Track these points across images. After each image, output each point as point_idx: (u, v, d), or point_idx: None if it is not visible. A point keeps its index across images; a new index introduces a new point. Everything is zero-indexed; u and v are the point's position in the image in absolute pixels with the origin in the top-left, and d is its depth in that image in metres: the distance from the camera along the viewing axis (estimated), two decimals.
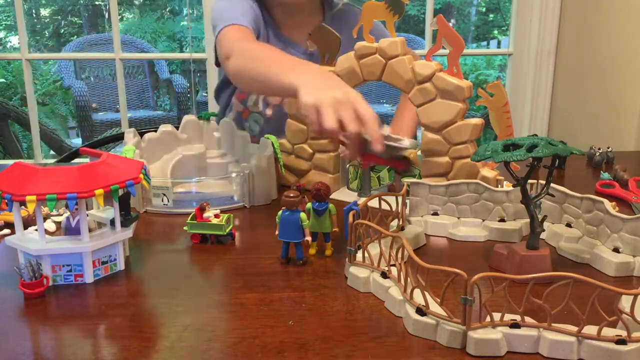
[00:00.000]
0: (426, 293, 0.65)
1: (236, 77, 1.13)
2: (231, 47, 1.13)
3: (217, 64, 1.31)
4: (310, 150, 1.15)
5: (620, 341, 0.58)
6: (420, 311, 0.65)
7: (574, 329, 0.60)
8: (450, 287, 0.61)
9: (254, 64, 1.05)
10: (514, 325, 0.61)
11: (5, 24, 5.69)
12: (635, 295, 0.58)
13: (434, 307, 0.64)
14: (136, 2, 6.18)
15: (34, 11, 5.90)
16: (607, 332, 0.59)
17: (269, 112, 1.42)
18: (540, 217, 0.80)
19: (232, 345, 0.63)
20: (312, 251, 0.87)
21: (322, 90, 0.85)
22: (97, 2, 5.87)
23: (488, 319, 0.62)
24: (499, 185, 0.99)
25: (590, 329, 0.59)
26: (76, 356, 0.62)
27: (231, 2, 1.31)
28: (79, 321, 0.69)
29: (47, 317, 0.70)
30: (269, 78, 0.99)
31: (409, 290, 0.67)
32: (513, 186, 0.82)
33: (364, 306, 0.71)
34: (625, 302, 0.61)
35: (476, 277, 0.59)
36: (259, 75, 1.03)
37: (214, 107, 2.25)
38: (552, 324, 0.60)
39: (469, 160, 1.00)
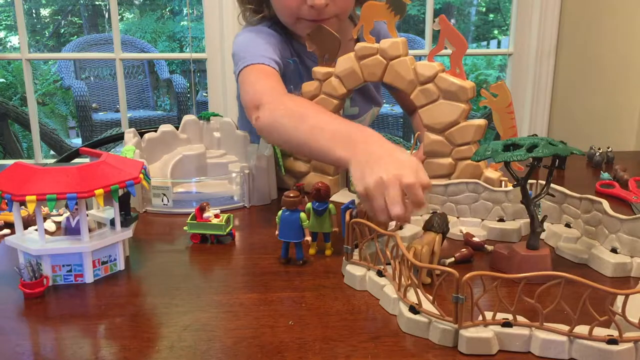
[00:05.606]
0: (419, 291, 0.65)
1: (266, 133, 1.02)
2: (260, 97, 1.02)
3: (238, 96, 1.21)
4: None
5: (612, 341, 0.58)
6: (413, 309, 0.65)
7: (566, 328, 0.60)
8: (445, 286, 0.61)
9: (292, 125, 0.95)
10: (506, 324, 0.61)
11: (5, 24, 5.69)
12: (627, 295, 0.58)
13: (427, 305, 0.64)
14: (136, 2, 6.18)
15: (34, 11, 5.90)
16: (599, 332, 0.59)
17: None
18: (540, 217, 0.80)
19: (232, 345, 0.63)
20: (312, 251, 0.87)
21: (369, 170, 0.77)
22: (97, 2, 5.88)
23: (480, 317, 0.62)
24: (501, 186, 0.99)
25: (582, 329, 0.59)
26: (76, 356, 0.62)
27: (254, 36, 1.17)
28: (79, 321, 0.69)
29: (47, 317, 0.70)
30: (313, 146, 0.90)
31: (402, 289, 0.67)
32: (513, 186, 0.82)
33: (363, 306, 0.71)
34: (620, 303, 0.61)
35: (467, 275, 0.59)
36: (299, 139, 0.93)
37: (214, 107, 2.26)
38: (544, 324, 0.60)
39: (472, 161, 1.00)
